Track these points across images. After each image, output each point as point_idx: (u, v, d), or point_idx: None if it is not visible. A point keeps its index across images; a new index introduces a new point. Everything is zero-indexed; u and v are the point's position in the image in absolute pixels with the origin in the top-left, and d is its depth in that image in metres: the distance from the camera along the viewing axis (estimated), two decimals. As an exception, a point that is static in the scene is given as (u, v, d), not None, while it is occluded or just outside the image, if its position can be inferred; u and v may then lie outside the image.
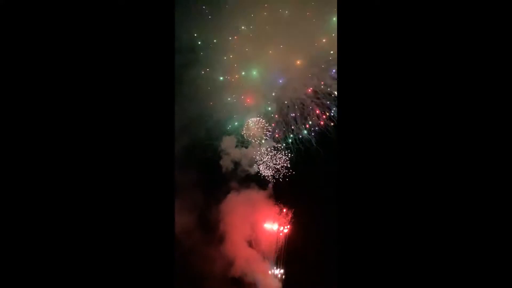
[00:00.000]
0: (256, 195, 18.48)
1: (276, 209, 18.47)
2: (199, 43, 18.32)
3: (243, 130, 18.89)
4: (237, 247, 17.88)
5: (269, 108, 18.84)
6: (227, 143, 19.04)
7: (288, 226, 18.45)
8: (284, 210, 18.53)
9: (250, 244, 18.31)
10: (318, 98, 18.20)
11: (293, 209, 18.43)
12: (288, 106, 18.66)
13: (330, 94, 18.02)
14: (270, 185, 18.68)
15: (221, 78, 18.68)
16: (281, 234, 18.47)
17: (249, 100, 18.73)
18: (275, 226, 18.50)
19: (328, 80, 17.92)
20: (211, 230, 18.01)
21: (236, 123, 19.16)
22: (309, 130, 18.57)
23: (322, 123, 18.26)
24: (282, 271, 18.12)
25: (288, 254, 18.21)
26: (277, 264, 18.14)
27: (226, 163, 18.95)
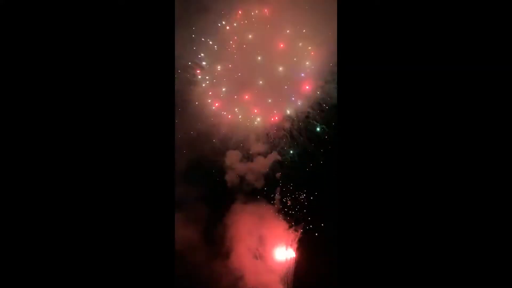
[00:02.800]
0: (263, 209, 18.27)
1: (284, 224, 18.19)
2: (205, 58, 18.50)
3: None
4: (244, 261, 17.58)
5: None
6: (232, 157, 18.93)
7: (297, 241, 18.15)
8: (293, 225, 18.25)
9: (257, 258, 17.99)
10: (322, 111, 18.15)
11: (303, 223, 18.13)
12: (294, 119, 18.62)
13: (335, 106, 17.94)
14: (278, 199, 18.46)
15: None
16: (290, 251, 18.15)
17: (256, 111, 18.68)
18: (283, 243, 18.22)
19: (333, 92, 17.90)
20: (217, 244, 17.79)
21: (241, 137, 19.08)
22: (314, 143, 18.46)
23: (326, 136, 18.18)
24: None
25: (298, 268, 17.87)
26: (287, 278, 17.78)
27: (231, 178, 18.81)
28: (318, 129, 18.36)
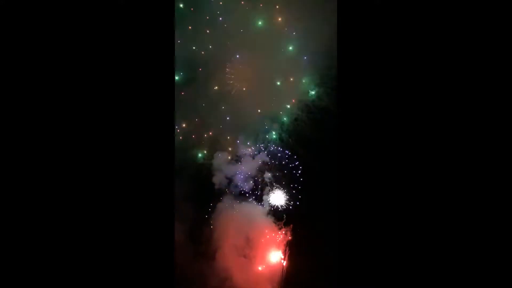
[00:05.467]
0: (252, 211, 18.25)
1: (272, 225, 18.20)
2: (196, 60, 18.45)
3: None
4: (232, 261, 17.53)
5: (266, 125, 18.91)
6: (220, 159, 18.86)
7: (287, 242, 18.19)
8: (282, 227, 18.28)
9: (245, 258, 17.96)
10: (311, 112, 18.29)
11: (291, 225, 18.18)
12: (283, 123, 18.70)
13: (324, 109, 18.16)
14: (266, 201, 18.49)
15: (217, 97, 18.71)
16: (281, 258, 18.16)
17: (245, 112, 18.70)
18: (271, 244, 18.22)
19: (323, 94, 18.10)
20: (205, 245, 17.72)
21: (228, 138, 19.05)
22: (303, 144, 18.56)
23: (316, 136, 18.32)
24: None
25: (286, 269, 17.89)
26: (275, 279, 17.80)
27: (219, 179, 18.74)
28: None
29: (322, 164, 17.76)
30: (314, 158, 18.27)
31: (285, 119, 18.64)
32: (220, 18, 17.81)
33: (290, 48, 17.92)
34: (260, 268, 17.82)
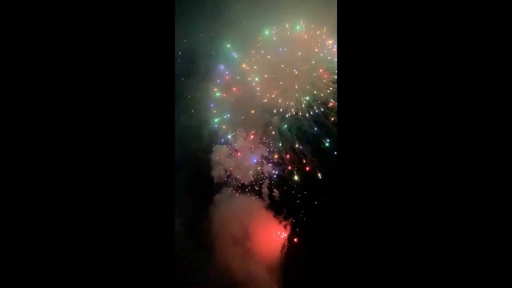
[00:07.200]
0: (251, 204, 18.37)
1: (272, 218, 18.34)
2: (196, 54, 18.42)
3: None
4: (231, 253, 17.71)
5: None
6: (219, 152, 18.92)
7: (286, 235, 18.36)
8: (282, 220, 18.42)
9: (245, 251, 18.14)
10: (313, 107, 18.34)
11: (291, 218, 18.33)
12: (284, 117, 18.75)
13: (326, 103, 18.20)
14: (265, 194, 18.61)
15: (216, 90, 18.68)
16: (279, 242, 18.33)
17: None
18: (271, 236, 18.38)
19: (324, 89, 18.13)
20: (204, 237, 17.87)
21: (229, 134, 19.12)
22: (304, 140, 18.64)
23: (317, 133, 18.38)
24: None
25: (287, 261, 18.10)
26: (275, 272, 18.00)
27: (218, 173, 18.82)
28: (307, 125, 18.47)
29: (322, 159, 17.94)
30: (314, 153, 18.39)
31: (285, 113, 18.69)
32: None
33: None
34: (258, 260, 18.03)
